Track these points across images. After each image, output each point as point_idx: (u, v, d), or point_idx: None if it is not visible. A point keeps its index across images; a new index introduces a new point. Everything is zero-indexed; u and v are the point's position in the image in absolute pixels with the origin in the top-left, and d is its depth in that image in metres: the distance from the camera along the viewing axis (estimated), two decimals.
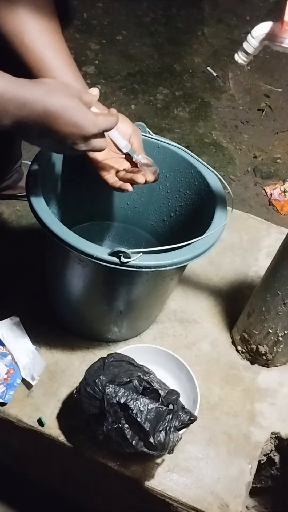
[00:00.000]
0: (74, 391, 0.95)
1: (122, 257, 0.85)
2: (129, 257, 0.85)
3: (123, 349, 1.05)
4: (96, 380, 0.89)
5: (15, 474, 1.26)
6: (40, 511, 1.27)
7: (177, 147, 1.10)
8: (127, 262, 0.85)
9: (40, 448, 1.06)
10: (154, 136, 1.11)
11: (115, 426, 0.86)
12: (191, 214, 1.12)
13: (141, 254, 0.86)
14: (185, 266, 0.95)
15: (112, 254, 0.85)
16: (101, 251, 0.86)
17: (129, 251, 0.84)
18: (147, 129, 1.10)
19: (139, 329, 1.15)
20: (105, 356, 0.95)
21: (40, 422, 0.99)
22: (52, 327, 1.12)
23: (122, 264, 0.85)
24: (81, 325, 1.12)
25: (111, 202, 1.20)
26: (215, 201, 1.01)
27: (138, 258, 0.85)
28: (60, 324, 1.13)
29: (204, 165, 1.07)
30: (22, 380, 1.03)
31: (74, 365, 1.08)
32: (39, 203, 0.90)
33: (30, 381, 1.03)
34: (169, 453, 0.87)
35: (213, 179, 1.05)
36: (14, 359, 1.04)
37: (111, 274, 0.92)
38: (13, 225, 1.67)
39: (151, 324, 1.16)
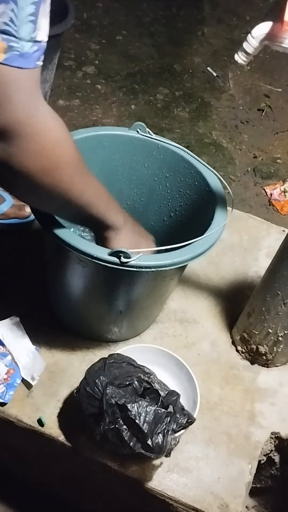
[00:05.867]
0: (75, 391, 0.95)
1: (122, 257, 0.85)
2: (129, 257, 0.85)
3: (123, 349, 1.05)
4: (96, 380, 0.89)
5: (15, 474, 1.26)
6: (40, 511, 1.27)
7: (177, 147, 1.10)
8: (127, 262, 0.85)
9: (40, 448, 1.06)
10: (154, 136, 1.11)
11: (112, 427, 0.86)
12: (191, 214, 1.12)
13: (141, 254, 0.86)
14: (185, 266, 0.95)
15: (112, 254, 0.85)
16: (101, 251, 0.86)
17: (129, 251, 0.84)
18: (147, 129, 1.10)
19: (139, 329, 1.15)
20: (106, 356, 0.95)
21: (40, 422, 0.99)
22: (52, 327, 1.12)
23: (122, 264, 0.85)
24: (81, 325, 1.12)
25: None
26: (215, 201, 1.01)
27: (138, 258, 0.85)
28: (60, 324, 1.13)
29: (204, 165, 1.07)
30: (22, 380, 1.03)
31: (74, 365, 1.08)
32: None
33: (30, 381, 1.03)
34: (166, 456, 0.87)
35: (213, 179, 1.05)
36: (14, 359, 1.04)
37: (111, 274, 0.92)
38: None
39: (151, 324, 1.16)
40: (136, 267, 0.86)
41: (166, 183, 1.14)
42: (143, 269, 0.87)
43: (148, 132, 1.10)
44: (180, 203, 1.14)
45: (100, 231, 0.90)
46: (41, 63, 0.65)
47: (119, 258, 0.85)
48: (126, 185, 1.17)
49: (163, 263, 0.88)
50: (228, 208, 1.01)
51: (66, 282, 1.03)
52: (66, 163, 0.71)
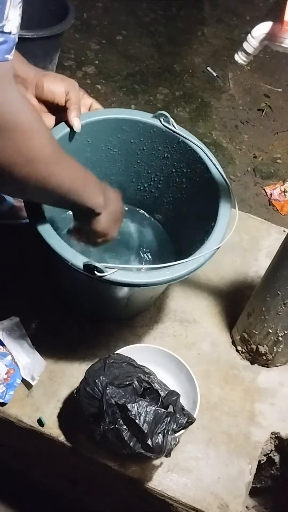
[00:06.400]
0: (75, 391, 0.95)
1: (95, 271, 0.84)
2: (102, 272, 0.84)
3: (123, 349, 1.05)
4: (96, 380, 0.89)
5: (15, 474, 1.26)
6: (40, 511, 1.27)
7: (198, 146, 1.07)
8: (101, 276, 0.84)
9: (40, 448, 1.06)
10: (176, 129, 1.07)
11: (112, 427, 0.86)
12: (198, 216, 1.10)
13: (115, 270, 0.85)
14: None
15: (85, 265, 0.84)
16: (77, 260, 0.85)
17: (104, 265, 0.84)
18: (171, 120, 1.07)
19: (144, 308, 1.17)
20: (106, 356, 0.95)
21: (40, 422, 0.99)
22: (52, 326, 1.12)
23: (96, 276, 0.85)
24: (85, 309, 1.13)
25: (128, 181, 1.19)
26: (218, 218, 0.98)
27: (112, 274, 0.85)
28: (60, 322, 1.13)
29: (220, 172, 1.04)
30: (22, 380, 1.03)
31: (74, 365, 1.08)
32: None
33: (30, 381, 1.03)
34: (166, 456, 0.87)
35: (224, 190, 1.02)
36: (14, 359, 1.04)
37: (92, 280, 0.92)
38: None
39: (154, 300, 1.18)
40: (109, 281, 0.86)
41: (183, 177, 1.12)
42: (116, 285, 0.87)
43: (172, 123, 1.07)
44: (191, 201, 1.12)
45: (80, 213, 0.90)
46: (11, 57, 0.61)
47: (92, 271, 0.84)
48: (144, 169, 1.16)
49: (137, 282, 0.87)
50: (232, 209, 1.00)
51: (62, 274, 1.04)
52: (40, 156, 0.70)
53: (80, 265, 0.85)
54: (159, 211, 1.22)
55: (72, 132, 1.00)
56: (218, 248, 0.94)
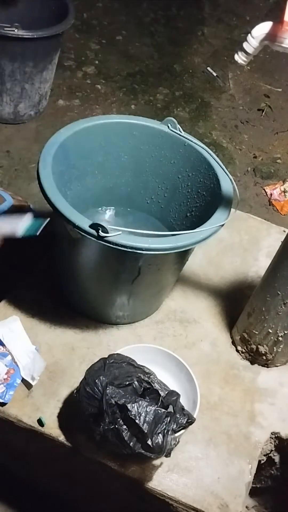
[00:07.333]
0: (75, 391, 0.95)
1: (100, 231, 0.86)
2: (107, 232, 0.86)
3: (123, 349, 1.05)
4: (96, 380, 0.89)
5: (15, 474, 1.26)
6: (40, 511, 1.27)
7: (202, 148, 1.11)
8: (104, 236, 0.86)
9: (40, 448, 1.06)
10: (183, 134, 1.11)
11: (112, 427, 0.86)
12: (204, 215, 1.11)
13: (120, 232, 0.87)
14: (167, 257, 0.95)
15: (92, 226, 0.87)
16: (83, 222, 0.88)
17: (109, 227, 0.86)
18: (178, 126, 1.11)
19: (141, 313, 1.16)
20: (106, 356, 0.95)
21: (40, 422, 0.99)
22: (52, 326, 1.12)
23: (99, 237, 0.86)
24: (89, 307, 1.14)
25: (137, 192, 1.22)
26: (220, 203, 1.02)
27: (116, 236, 0.86)
28: (71, 308, 1.14)
29: (223, 169, 1.08)
30: (22, 380, 1.03)
31: (74, 365, 1.08)
32: (45, 168, 0.95)
33: (30, 381, 1.03)
34: (166, 456, 0.87)
35: (226, 182, 1.05)
36: (14, 359, 1.04)
37: (95, 247, 0.93)
38: None
39: (156, 309, 1.18)
40: (111, 243, 0.87)
41: (188, 182, 1.15)
42: (118, 247, 0.88)
43: (179, 129, 1.11)
44: (197, 204, 1.14)
45: None
46: None
47: (97, 231, 0.86)
48: (152, 178, 1.19)
49: (139, 245, 0.89)
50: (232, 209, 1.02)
51: (70, 261, 1.06)
52: None
53: (86, 226, 0.87)
54: (165, 219, 1.24)
55: (87, 129, 1.05)
56: (222, 225, 0.97)
